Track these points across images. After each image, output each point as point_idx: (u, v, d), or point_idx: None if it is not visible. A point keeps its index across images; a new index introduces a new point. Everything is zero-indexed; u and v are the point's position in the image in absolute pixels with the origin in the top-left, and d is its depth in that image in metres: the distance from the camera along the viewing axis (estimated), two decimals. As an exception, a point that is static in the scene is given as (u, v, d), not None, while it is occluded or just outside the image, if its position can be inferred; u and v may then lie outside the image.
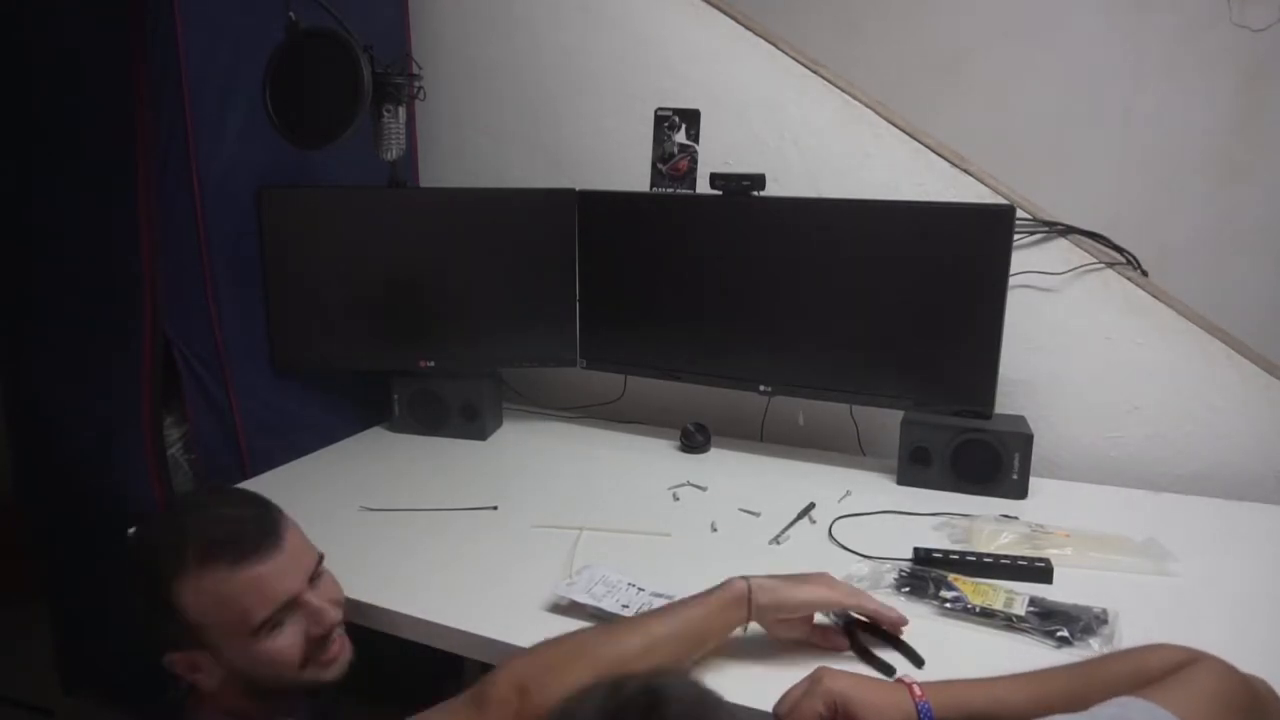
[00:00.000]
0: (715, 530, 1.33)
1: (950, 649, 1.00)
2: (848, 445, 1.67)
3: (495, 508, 1.39)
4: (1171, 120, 2.11)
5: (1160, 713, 0.66)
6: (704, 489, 1.49)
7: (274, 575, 0.93)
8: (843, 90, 1.62)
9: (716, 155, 1.74)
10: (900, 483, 1.49)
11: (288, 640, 0.94)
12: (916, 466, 1.47)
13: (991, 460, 1.42)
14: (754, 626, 0.98)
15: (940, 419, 1.46)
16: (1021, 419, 1.48)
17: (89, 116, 1.55)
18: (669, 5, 1.73)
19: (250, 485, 1.49)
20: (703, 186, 1.64)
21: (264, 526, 0.96)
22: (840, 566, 1.18)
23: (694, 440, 1.65)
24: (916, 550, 1.20)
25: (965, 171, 1.56)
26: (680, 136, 1.76)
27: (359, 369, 1.77)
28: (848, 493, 1.46)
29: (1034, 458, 1.42)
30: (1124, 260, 1.50)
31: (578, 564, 1.19)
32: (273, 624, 0.93)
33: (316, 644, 0.96)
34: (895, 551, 1.23)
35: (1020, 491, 1.42)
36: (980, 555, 1.18)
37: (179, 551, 0.90)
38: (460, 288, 1.71)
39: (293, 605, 0.95)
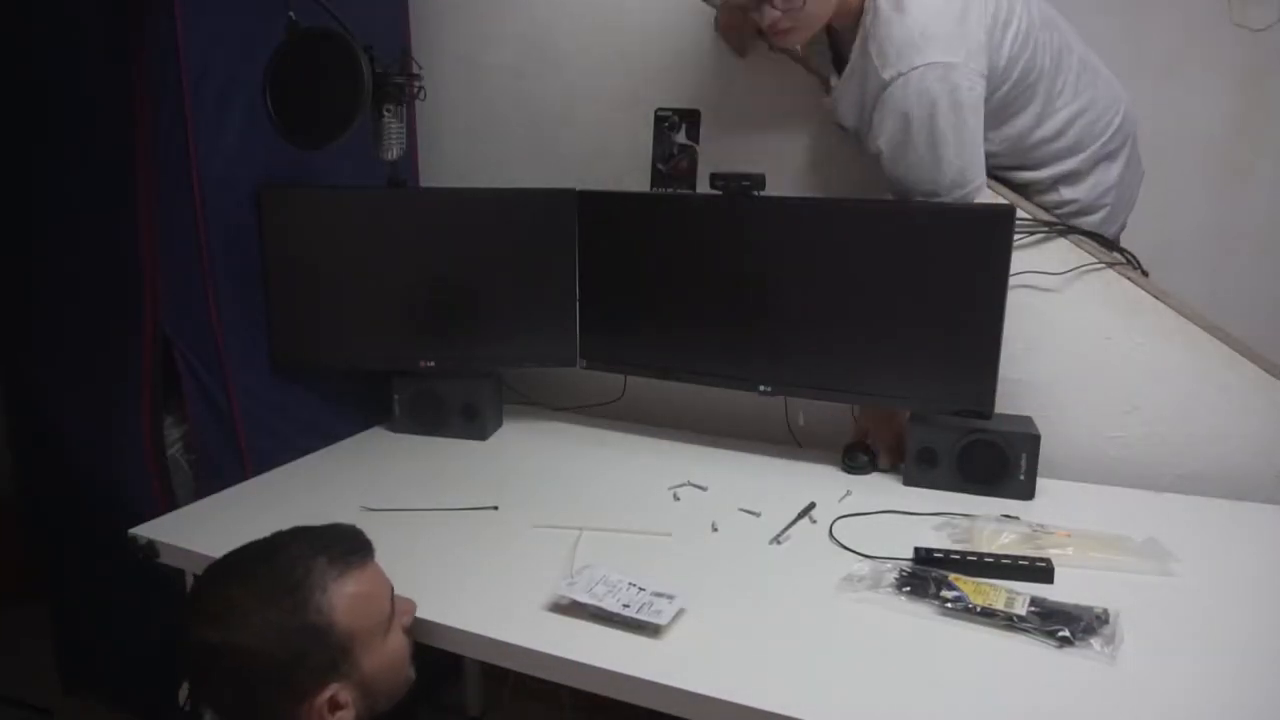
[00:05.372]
0: (715, 530, 1.33)
1: (951, 649, 1.00)
2: (848, 445, 1.67)
3: (495, 508, 1.39)
4: (1171, 120, 2.11)
5: None
6: (704, 489, 1.49)
7: (381, 570, 1.01)
8: (843, 90, 1.62)
9: (716, 155, 1.74)
10: (907, 483, 1.49)
11: (398, 636, 1.00)
12: (923, 467, 1.47)
13: (998, 461, 1.42)
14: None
15: (947, 420, 1.45)
16: (1028, 419, 1.48)
17: (89, 117, 1.55)
18: (670, 4, 1.73)
19: (250, 485, 1.49)
20: (703, 186, 1.64)
21: (351, 528, 1.02)
22: (841, 566, 1.18)
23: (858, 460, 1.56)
24: (917, 550, 1.20)
25: (965, 171, 1.55)
26: (680, 136, 1.76)
27: (359, 369, 1.77)
28: (848, 492, 1.46)
29: (1036, 458, 1.42)
30: (1124, 260, 1.50)
31: (578, 564, 1.19)
32: (391, 617, 0.99)
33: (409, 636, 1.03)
34: (896, 551, 1.22)
35: (1028, 492, 1.41)
36: (981, 555, 1.18)
37: (318, 566, 0.93)
38: (460, 287, 1.71)
39: (393, 597, 1.01)
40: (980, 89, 1.34)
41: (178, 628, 0.93)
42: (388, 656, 0.97)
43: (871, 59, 1.36)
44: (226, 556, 0.98)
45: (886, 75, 1.34)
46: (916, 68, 1.31)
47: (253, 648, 0.88)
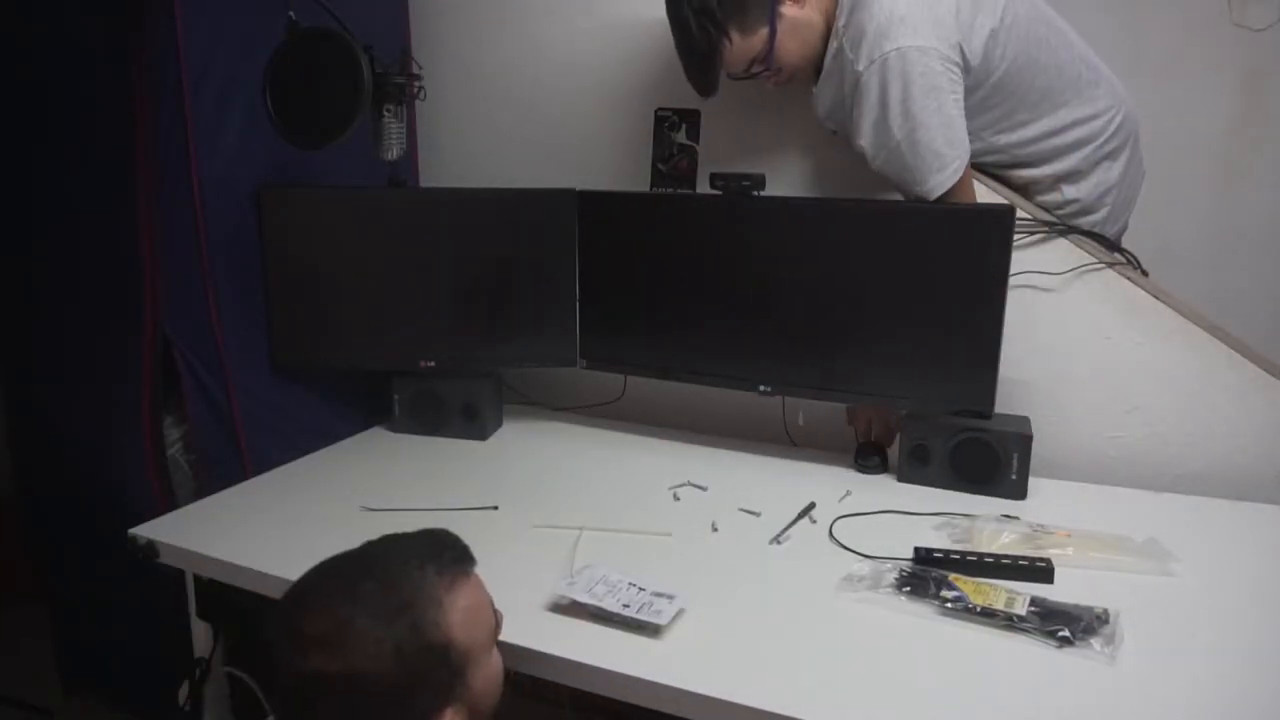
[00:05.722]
0: (716, 530, 1.33)
1: (951, 649, 1.00)
2: (848, 445, 1.67)
3: (495, 508, 1.39)
4: (1171, 120, 2.11)
5: None
6: (704, 489, 1.49)
7: (481, 579, 0.94)
8: (843, 90, 1.62)
9: (716, 155, 1.74)
10: (900, 480, 1.49)
11: (497, 650, 0.94)
12: (916, 464, 1.47)
13: (990, 460, 1.42)
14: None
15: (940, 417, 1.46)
16: (1024, 419, 1.48)
17: (89, 117, 1.55)
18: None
19: (250, 485, 1.49)
20: (703, 186, 1.64)
21: (450, 534, 0.94)
22: (841, 566, 1.18)
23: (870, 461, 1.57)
24: (917, 550, 1.20)
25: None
26: (680, 136, 1.76)
27: (359, 369, 1.77)
28: (848, 492, 1.46)
29: (1034, 458, 1.41)
30: (1124, 260, 1.50)
31: (578, 564, 1.19)
32: (496, 629, 0.93)
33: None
34: (896, 551, 1.22)
35: (1019, 492, 1.41)
36: (981, 555, 1.18)
37: (429, 579, 0.85)
38: (460, 287, 1.71)
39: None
40: (955, 74, 1.36)
41: (271, 658, 0.83)
42: (494, 672, 0.91)
43: (846, 55, 1.40)
44: (317, 577, 0.87)
45: (860, 66, 1.37)
46: (887, 53, 1.33)
47: (370, 672, 0.79)
